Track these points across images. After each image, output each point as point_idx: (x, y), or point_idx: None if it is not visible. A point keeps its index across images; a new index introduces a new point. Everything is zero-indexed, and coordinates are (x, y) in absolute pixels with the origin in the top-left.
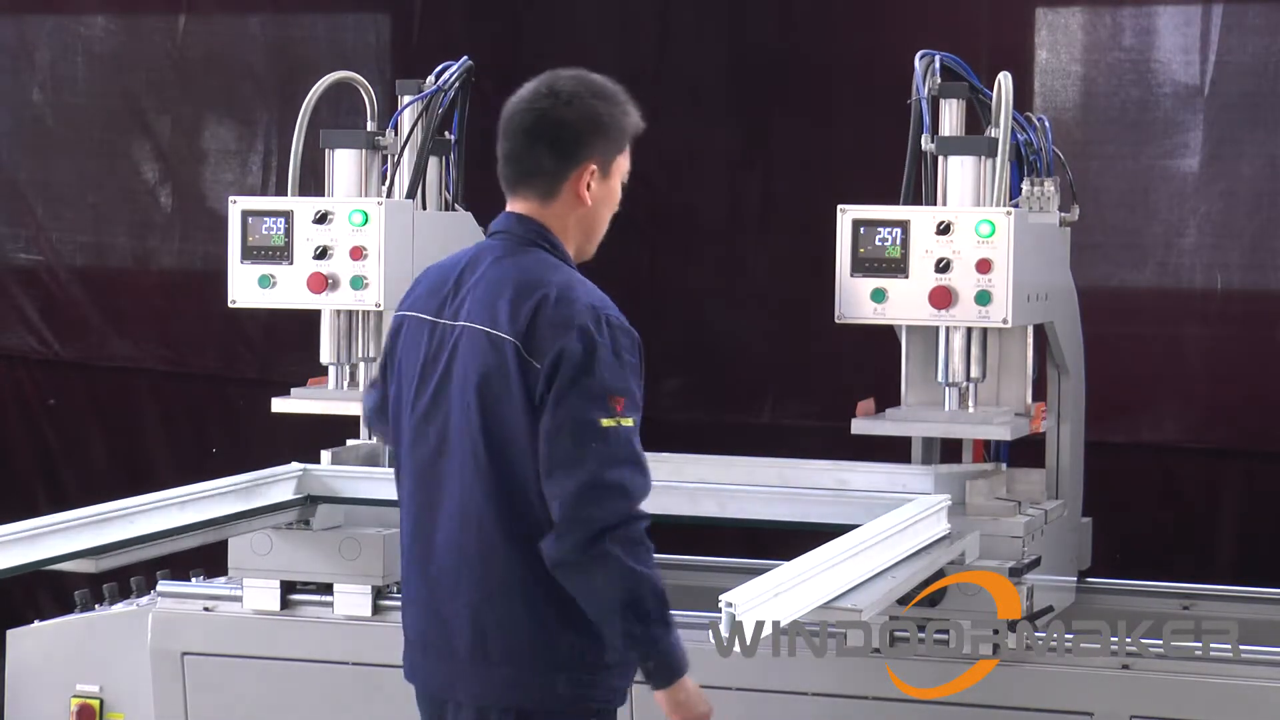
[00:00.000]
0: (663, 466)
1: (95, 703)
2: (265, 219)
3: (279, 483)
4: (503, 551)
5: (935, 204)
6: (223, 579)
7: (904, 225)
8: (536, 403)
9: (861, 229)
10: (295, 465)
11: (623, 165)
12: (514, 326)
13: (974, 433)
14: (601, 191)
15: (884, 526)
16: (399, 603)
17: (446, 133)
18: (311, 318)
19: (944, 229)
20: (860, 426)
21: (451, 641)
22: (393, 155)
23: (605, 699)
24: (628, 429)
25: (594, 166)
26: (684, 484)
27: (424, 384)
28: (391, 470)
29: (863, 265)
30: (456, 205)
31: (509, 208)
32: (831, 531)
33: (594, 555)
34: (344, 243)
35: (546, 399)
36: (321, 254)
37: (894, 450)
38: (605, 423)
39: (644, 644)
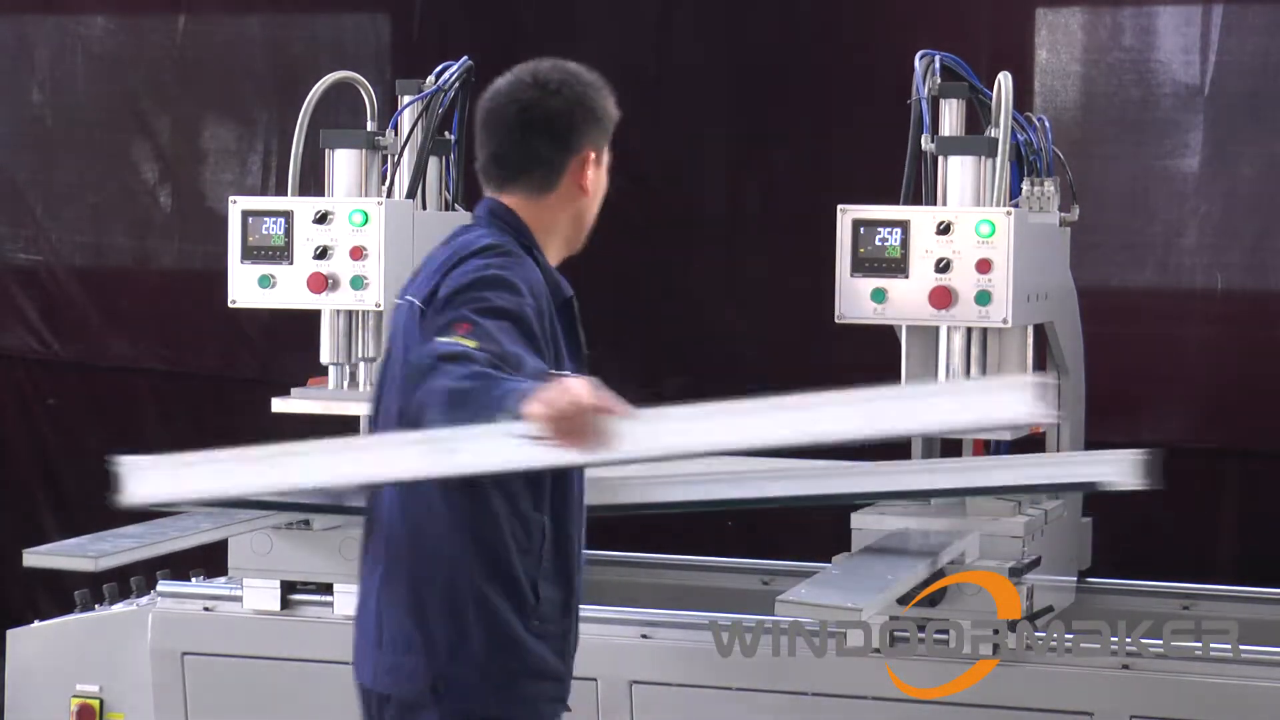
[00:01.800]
0: (664, 465)
1: (95, 703)
2: (265, 219)
3: None
4: (436, 526)
5: (935, 204)
6: (223, 579)
7: (904, 225)
8: None
9: (861, 229)
10: None
11: (608, 154)
12: (418, 291)
13: (974, 432)
14: (597, 180)
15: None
16: None
17: (446, 133)
18: (311, 318)
19: (944, 229)
20: None
21: (364, 623)
22: (393, 155)
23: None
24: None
25: (592, 154)
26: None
27: (384, 361)
28: None
29: (863, 265)
30: (456, 205)
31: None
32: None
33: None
34: (344, 243)
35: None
36: (321, 254)
37: (894, 450)
38: (442, 340)
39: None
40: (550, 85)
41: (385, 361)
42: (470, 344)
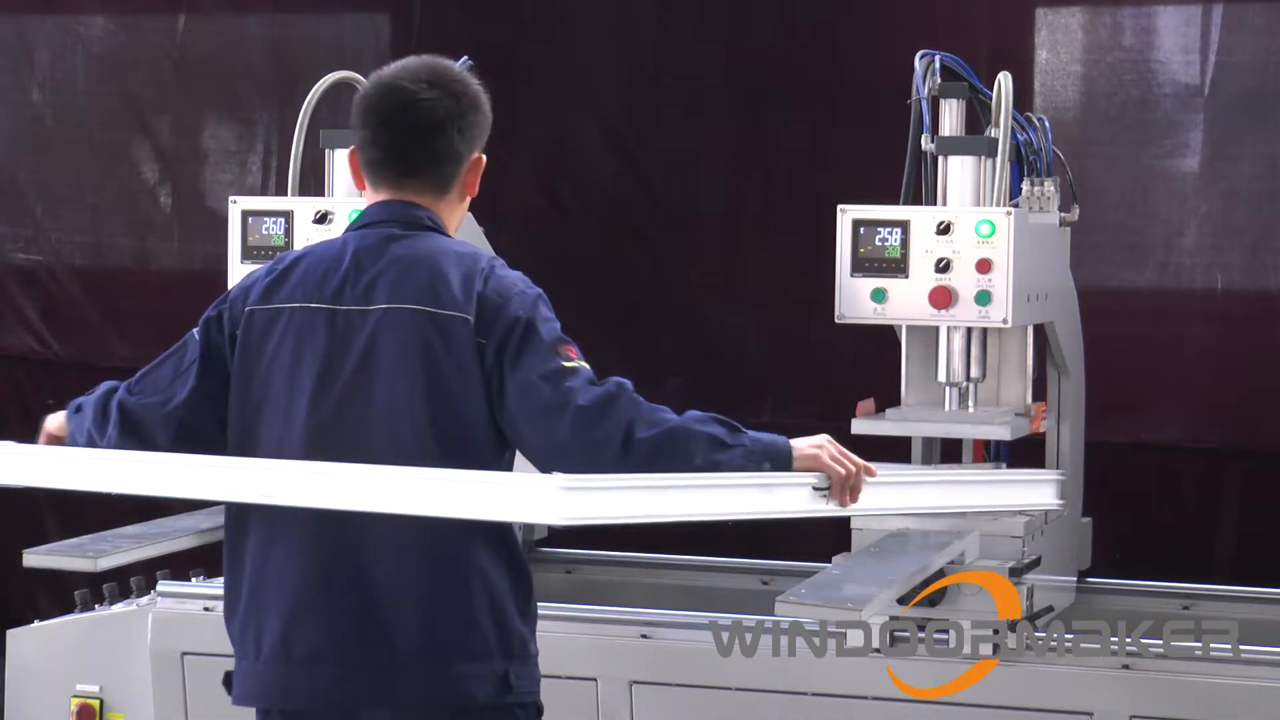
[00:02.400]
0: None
1: (95, 703)
2: (265, 219)
3: None
4: (471, 563)
5: (935, 204)
6: (223, 579)
7: (904, 225)
8: (487, 374)
9: (861, 229)
10: None
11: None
12: (462, 303)
13: (974, 433)
14: (475, 186)
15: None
16: None
17: None
18: None
19: (944, 229)
20: (860, 426)
21: (391, 640)
22: None
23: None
24: (588, 370)
25: (483, 156)
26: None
27: (329, 374)
28: None
29: (863, 265)
30: None
31: (386, 198)
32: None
33: (643, 456)
34: None
35: (500, 368)
36: None
37: (894, 450)
38: (568, 365)
39: (741, 457)
40: (451, 86)
41: (334, 361)
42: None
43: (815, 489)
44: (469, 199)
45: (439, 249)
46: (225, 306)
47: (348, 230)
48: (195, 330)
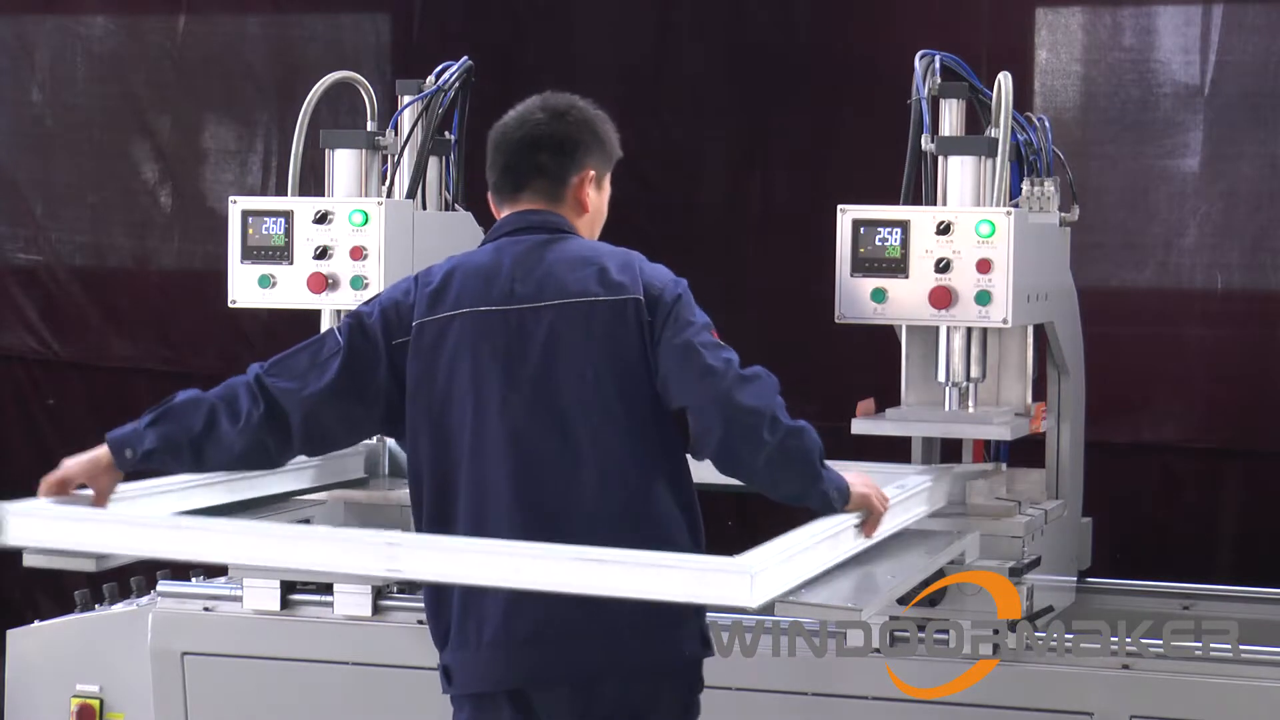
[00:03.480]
0: None
1: (95, 703)
2: (265, 219)
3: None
4: (658, 507)
5: (935, 204)
6: (223, 579)
7: (904, 225)
8: (651, 350)
9: (861, 229)
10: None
11: (608, 185)
12: (630, 287)
13: (974, 432)
14: (598, 201)
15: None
16: (400, 603)
17: (446, 133)
18: (311, 318)
19: (944, 229)
20: (860, 426)
21: (610, 609)
22: (393, 155)
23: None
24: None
25: (592, 173)
26: None
27: (516, 363)
28: None
29: (863, 265)
30: (456, 205)
31: (509, 212)
32: None
33: (784, 437)
34: (344, 243)
35: (661, 339)
36: (322, 254)
37: (894, 450)
38: (720, 343)
39: (831, 480)
40: (557, 110)
41: (517, 356)
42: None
43: (855, 526)
44: (590, 213)
45: (591, 246)
46: (374, 315)
47: (488, 241)
48: (337, 327)
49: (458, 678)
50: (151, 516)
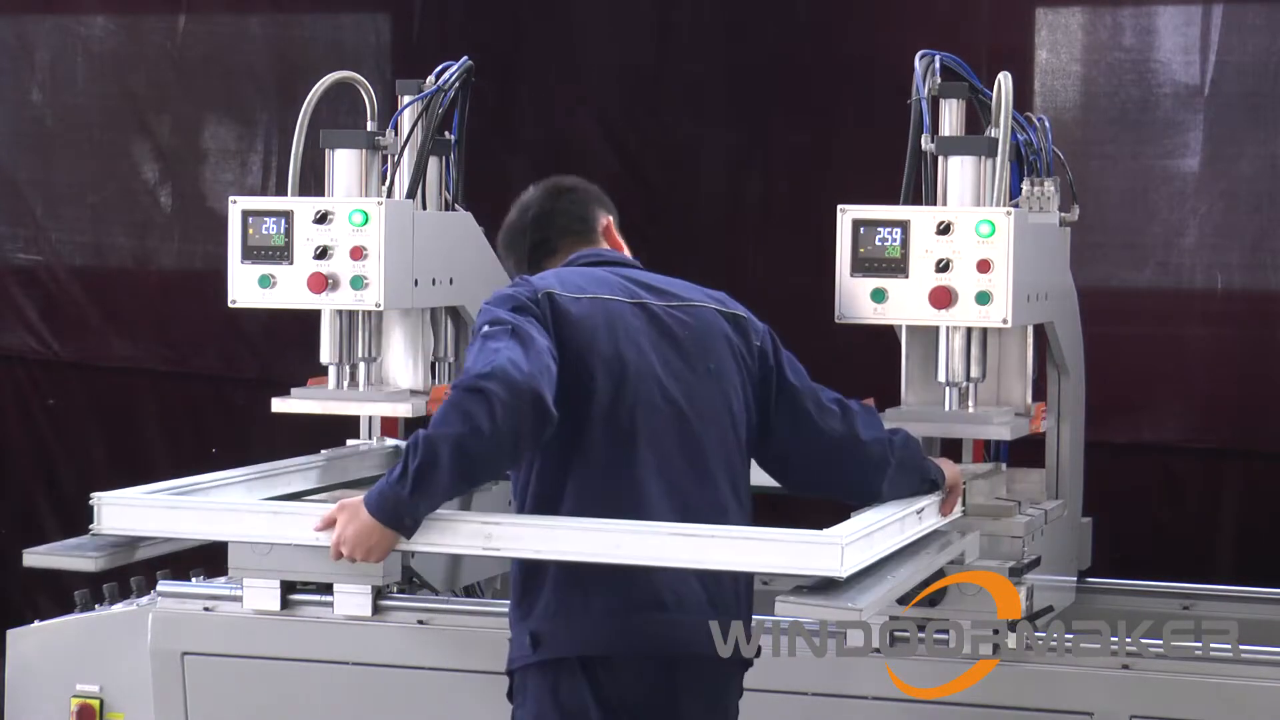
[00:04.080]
0: None
1: (95, 703)
2: (265, 219)
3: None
4: (747, 506)
5: (935, 204)
6: (223, 579)
7: (904, 225)
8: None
9: (861, 229)
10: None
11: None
12: (736, 307)
13: (974, 432)
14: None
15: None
16: (399, 603)
17: (446, 133)
18: (311, 318)
19: (944, 229)
20: None
21: (721, 594)
22: (393, 155)
23: None
24: None
25: (611, 220)
26: None
27: (677, 357)
28: None
29: (863, 265)
30: (456, 205)
31: (579, 251)
32: None
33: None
34: (344, 243)
35: (769, 366)
36: (322, 254)
37: None
38: None
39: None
40: (565, 184)
41: (672, 346)
42: None
43: (931, 504)
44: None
45: (665, 278)
46: (530, 301)
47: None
48: (517, 317)
49: (561, 639)
50: (245, 502)
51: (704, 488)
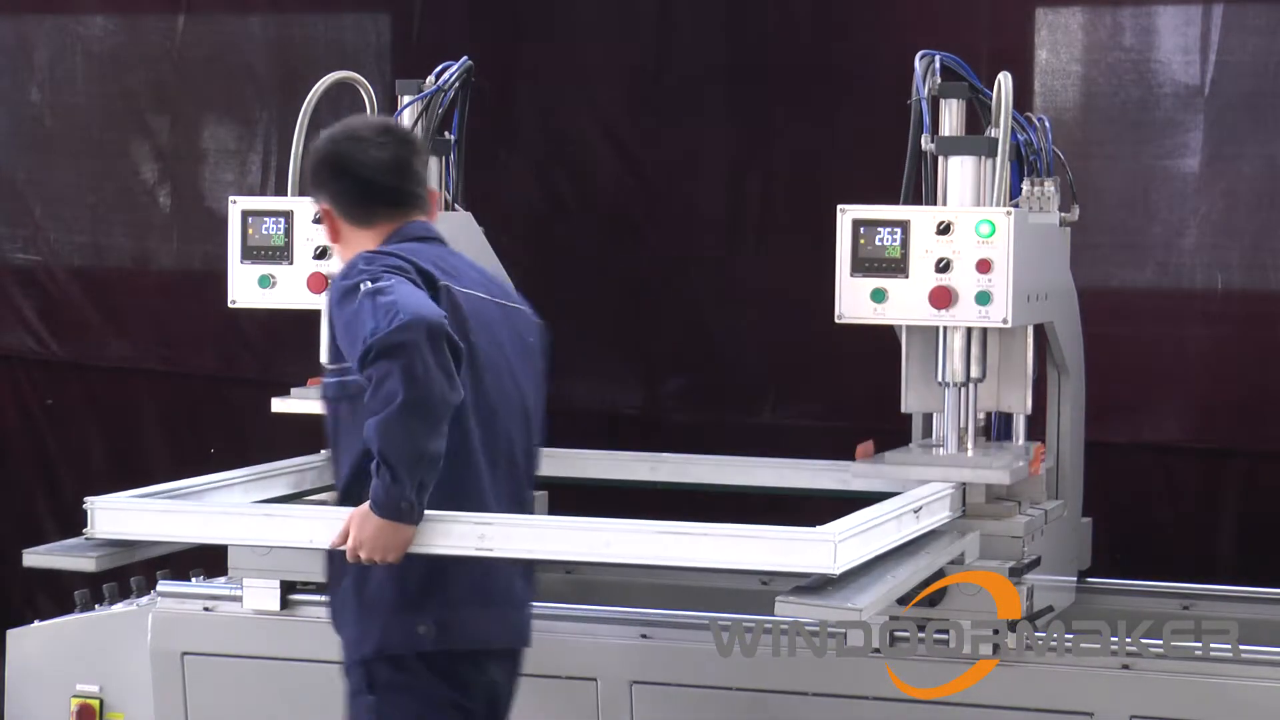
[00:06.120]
0: (663, 467)
1: (95, 703)
2: (265, 219)
3: None
4: None
5: (935, 204)
6: (223, 579)
7: (904, 225)
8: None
9: (861, 229)
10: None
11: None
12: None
13: (974, 477)
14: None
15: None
16: None
17: (446, 133)
18: (311, 318)
19: (944, 229)
20: (859, 471)
21: (533, 588)
22: None
23: None
24: None
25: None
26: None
27: (509, 356)
28: None
29: (863, 265)
30: (456, 205)
31: (415, 220)
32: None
33: None
34: None
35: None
36: (321, 254)
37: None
38: None
39: None
40: (410, 136)
41: (521, 367)
42: None
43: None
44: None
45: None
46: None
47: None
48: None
49: (459, 633)
50: (240, 506)
51: (531, 480)
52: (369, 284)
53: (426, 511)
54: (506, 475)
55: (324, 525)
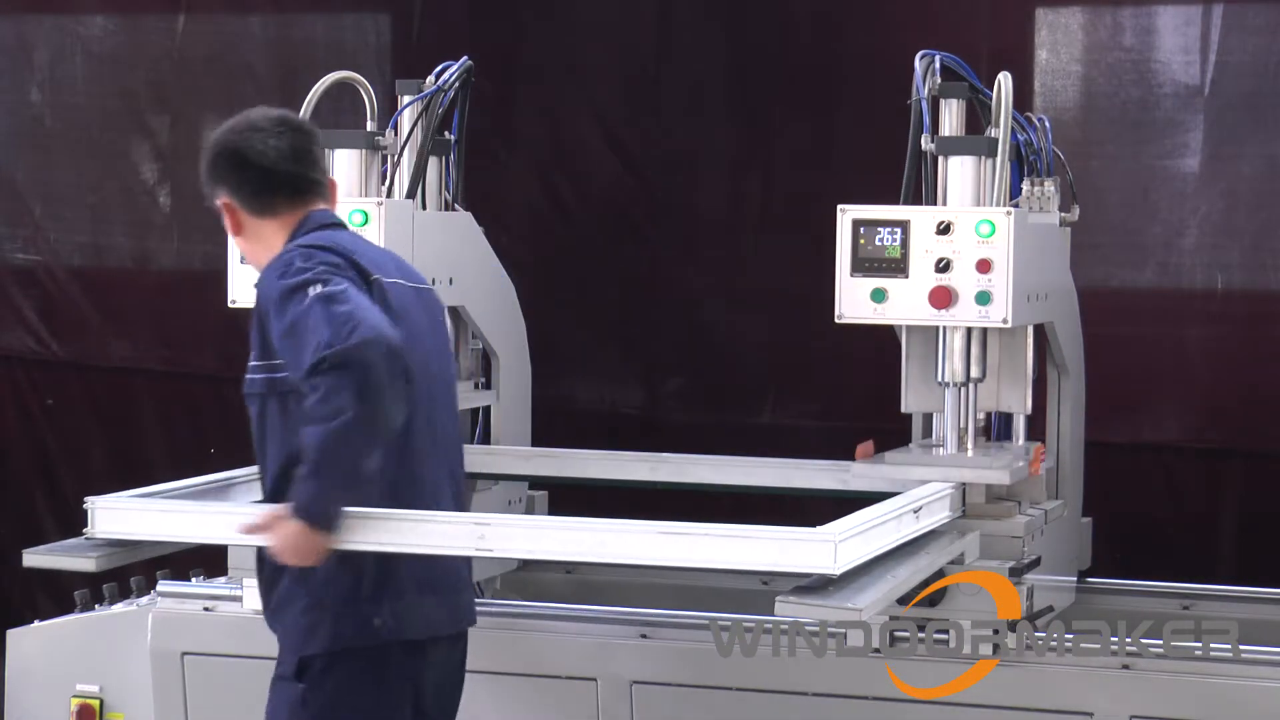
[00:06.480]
0: (663, 467)
1: (95, 703)
2: None
3: None
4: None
5: (935, 204)
6: (223, 579)
7: (904, 225)
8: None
9: (861, 229)
10: None
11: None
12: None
13: (974, 477)
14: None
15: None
16: None
17: (446, 133)
18: None
19: (944, 229)
20: (859, 472)
21: (462, 576)
22: (393, 155)
23: None
24: None
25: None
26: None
27: (428, 339)
28: None
29: (863, 265)
30: (456, 205)
31: (319, 207)
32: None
33: None
34: None
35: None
36: None
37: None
38: None
39: None
40: (306, 125)
41: (438, 347)
42: None
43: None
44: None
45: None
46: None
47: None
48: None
49: (412, 623)
50: (240, 506)
51: (460, 452)
52: (320, 288)
53: (423, 511)
54: (443, 455)
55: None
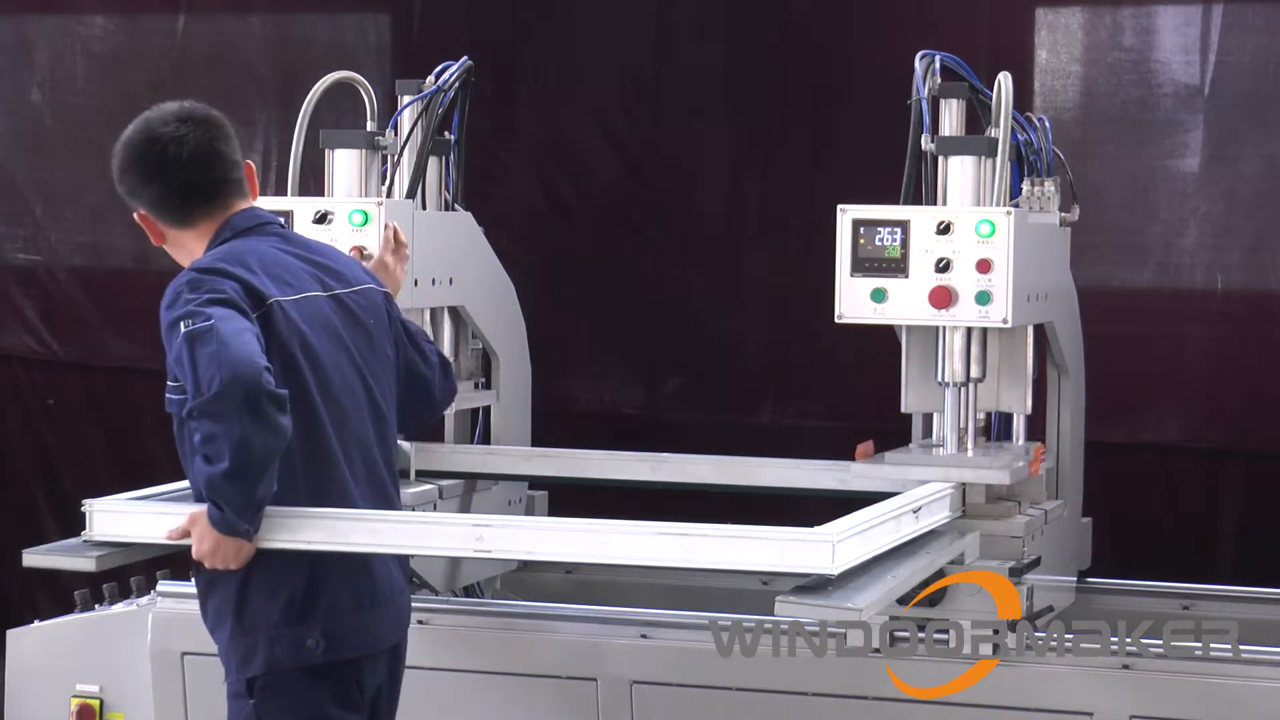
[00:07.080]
0: (663, 467)
1: (95, 703)
2: None
3: None
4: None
5: (935, 204)
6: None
7: (904, 225)
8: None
9: (861, 229)
10: None
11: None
12: (376, 280)
13: (974, 477)
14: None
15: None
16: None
17: (446, 133)
18: None
19: (944, 229)
20: (859, 472)
21: (397, 582)
22: (393, 155)
23: None
24: None
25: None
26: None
27: (350, 346)
28: None
29: (863, 265)
30: (456, 205)
31: (239, 209)
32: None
33: None
34: (344, 243)
35: (399, 330)
36: None
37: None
38: None
39: None
40: (213, 116)
41: (362, 350)
42: None
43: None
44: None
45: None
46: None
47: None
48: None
49: (350, 640)
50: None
51: (391, 468)
52: (189, 324)
53: (422, 512)
54: (365, 471)
55: (321, 525)
